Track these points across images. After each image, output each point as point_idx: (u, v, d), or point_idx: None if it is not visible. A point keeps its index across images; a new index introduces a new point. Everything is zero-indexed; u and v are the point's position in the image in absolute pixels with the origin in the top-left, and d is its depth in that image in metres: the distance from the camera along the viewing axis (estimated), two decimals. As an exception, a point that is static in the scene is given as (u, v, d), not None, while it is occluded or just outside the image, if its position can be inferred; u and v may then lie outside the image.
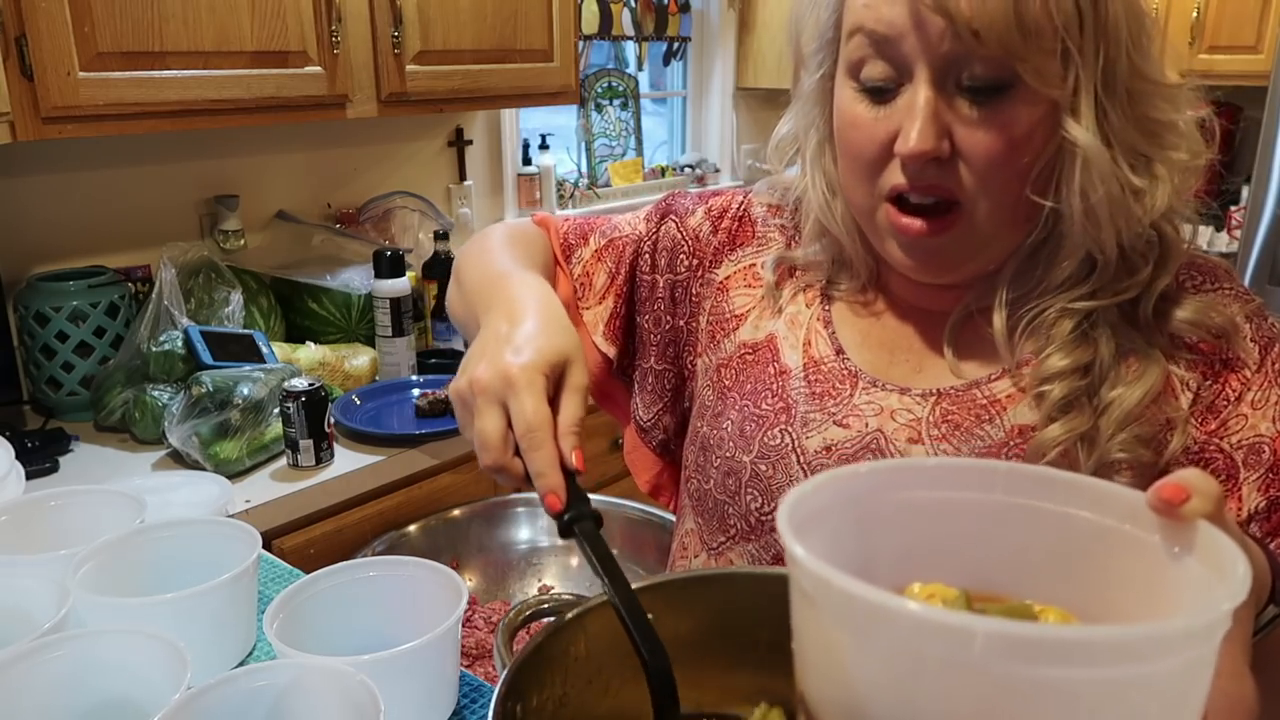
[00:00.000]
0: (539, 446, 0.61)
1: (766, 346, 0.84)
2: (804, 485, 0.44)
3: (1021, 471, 0.47)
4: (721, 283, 0.89)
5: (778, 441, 0.79)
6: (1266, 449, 0.69)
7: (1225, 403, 0.70)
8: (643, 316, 0.92)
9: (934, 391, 0.76)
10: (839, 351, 0.81)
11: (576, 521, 0.61)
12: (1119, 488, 0.45)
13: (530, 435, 0.61)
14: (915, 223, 0.69)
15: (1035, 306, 0.72)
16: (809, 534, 0.40)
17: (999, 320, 0.74)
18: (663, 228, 0.91)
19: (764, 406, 0.81)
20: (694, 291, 0.90)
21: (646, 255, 0.91)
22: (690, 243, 0.90)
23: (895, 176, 0.69)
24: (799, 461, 0.78)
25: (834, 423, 0.78)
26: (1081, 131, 0.65)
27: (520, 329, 0.65)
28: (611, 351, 0.92)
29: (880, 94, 0.69)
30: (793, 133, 0.82)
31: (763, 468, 0.79)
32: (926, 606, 0.36)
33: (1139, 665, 0.35)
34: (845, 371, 0.80)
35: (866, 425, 0.77)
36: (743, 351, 0.85)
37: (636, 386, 0.94)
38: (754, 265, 0.88)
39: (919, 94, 0.66)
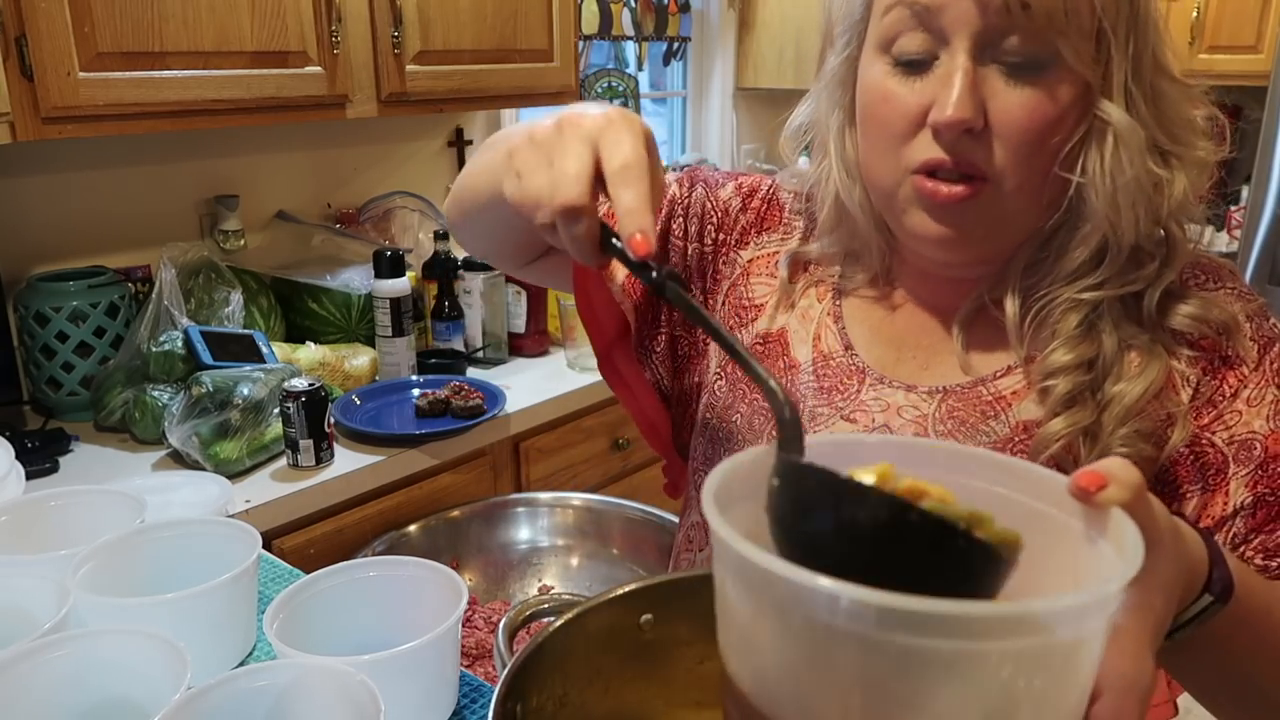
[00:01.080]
0: (636, 183, 0.56)
1: (778, 340, 0.84)
2: (734, 458, 0.45)
3: (961, 452, 0.48)
4: (745, 266, 0.88)
5: None
6: (1258, 446, 0.69)
7: (1222, 398, 0.71)
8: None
9: (940, 389, 0.77)
10: (848, 347, 0.81)
11: (670, 279, 0.56)
12: (1050, 472, 0.45)
13: (628, 170, 0.56)
14: (943, 187, 0.69)
15: (1045, 295, 0.73)
16: (736, 507, 0.41)
17: (1011, 307, 0.74)
18: (694, 194, 0.89)
19: None
20: (716, 267, 0.89)
21: (680, 218, 0.89)
22: (719, 215, 0.89)
23: (924, 150, 0.69)
24: None
25: (841, 418, 0.78)
26: (1116, 110, 0.67)
27: (604, 106, 0.61)
28: (628, 305, 0.89)
29: (914, 67, 0.69)
30: (811, 119, 0.82)
31: None
32: (806, 574, 0.36)
33: (1027, 638, 0.36)
34: (853, 367, 0.80)
35: (873, 421, 0.77)
36: (754, 344, 0.85)
37: (657, 357, 0.91)
38: (777, 254, 0.87)
39: (957, 63, 0.66)
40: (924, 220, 0.71)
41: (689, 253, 0.89)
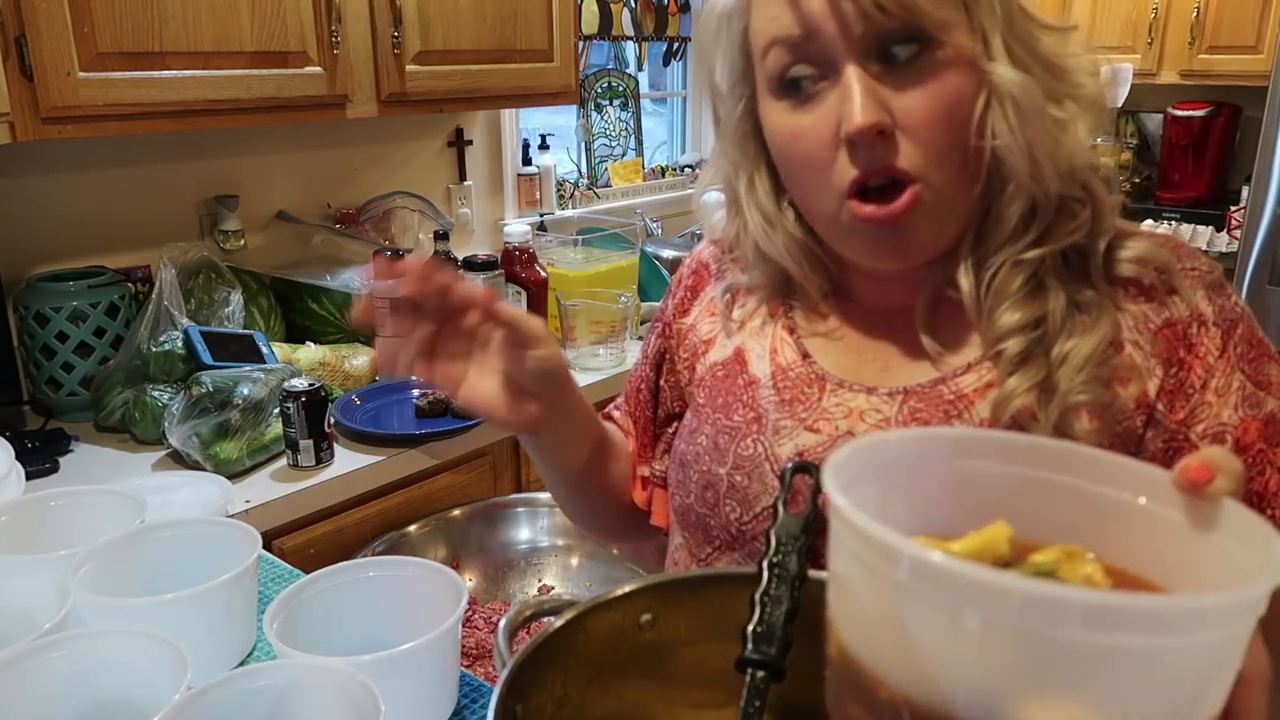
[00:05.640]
0: None
1: (735, 360, 0.84)
2: (841, 451, 0.45)
3: (1041, 445, 0.47)
4: (691, 325, 0.91)
5: (750, 451, 0.79)
6: (1229, 438, 0.70)
7: (1193, 389, 0.71)
8: (670, 413, 0.94)
9: (901, 390, 0.76)
10: (805, 356, 0.81)
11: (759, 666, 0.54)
12: (1138, 463, 0.45)
13: None
14: (881, 210, 0.70)
15: (991, 263, 0.73)
16: (855, 488, 0.41)
17: (967, 282, 0.74)
18: (653, 343, 0.95)
19: (735, 418, 0.81)
20: (671, 349, 0.93)
21: (661, 378, 0.94)
22: (669, 317, 0.93)
23: (847, 170, 0.70)
24: (773, 470, 0.78)
25: (804, 428, 0.78)
26: (1005, 68, 0.68)
27: None
28: (648, 470, 0.94)
29: (812, 98, 0.70)
30: (723, 181, 0.83)
31: (738, 479, 0.79)
32: (969, 564, 0.36)
33: (1178, 635, 0.35)
34: (812, 375, 0.80)
35: (836, 428, 0.77)
36: (714, 369, 0.86)
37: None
38: (715, 298, 0.89)
39: (848, 76, 0.68)
40: (869, 244, 0.72)
41: (675, 382, 0.93)
